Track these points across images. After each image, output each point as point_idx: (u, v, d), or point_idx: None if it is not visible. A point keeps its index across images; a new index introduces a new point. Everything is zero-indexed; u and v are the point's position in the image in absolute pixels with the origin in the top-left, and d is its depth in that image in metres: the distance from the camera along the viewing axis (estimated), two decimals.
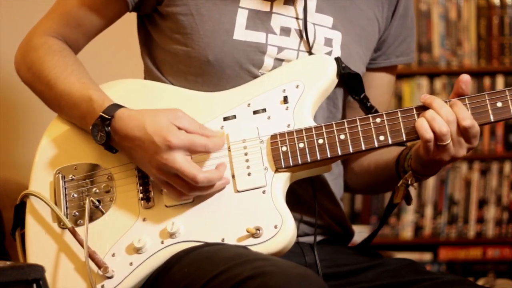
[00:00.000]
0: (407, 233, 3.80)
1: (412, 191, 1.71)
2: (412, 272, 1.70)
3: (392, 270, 1.71)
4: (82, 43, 1.83)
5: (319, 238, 1.77)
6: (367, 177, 1.90)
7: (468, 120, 1.56)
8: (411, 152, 1.71)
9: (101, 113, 1.63)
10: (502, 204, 3.75)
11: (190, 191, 1.60)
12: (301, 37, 1.75)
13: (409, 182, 1.68)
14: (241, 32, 1.71)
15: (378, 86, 1.92)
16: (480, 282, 3.46)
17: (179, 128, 1.59)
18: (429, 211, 3.80)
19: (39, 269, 1.43)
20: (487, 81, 3.76)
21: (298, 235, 1.71)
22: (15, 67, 1.81)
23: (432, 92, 3.80)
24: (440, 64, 3.82)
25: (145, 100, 1.72)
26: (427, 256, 3.77)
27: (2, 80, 2.60)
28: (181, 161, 1.56)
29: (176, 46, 1.74)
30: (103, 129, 1.62)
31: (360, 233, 3.47)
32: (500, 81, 3.77)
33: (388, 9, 1.86)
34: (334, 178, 1.84)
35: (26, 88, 1.81)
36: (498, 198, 3.76)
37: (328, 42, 1.77)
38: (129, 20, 1.87)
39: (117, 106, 1.64)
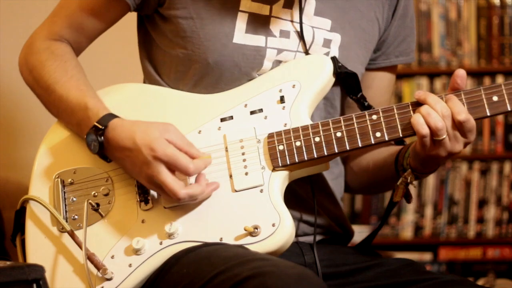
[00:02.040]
0: (407, 233, 3.80)
1: (412, 191, 1.71)
2: (412, 272, 1.70)
3: (392, 270, 1.72)
4: (84, 45, 1.84)
5: (318, 238, 1.77)
6: (366, 176, 1.90)
7: (463, 114, 1.56)
8: (409, 150, 1.71)
9: (95, 123, 1.63)
10: (502, 204, 3.75)
11: (177, 202, 1.60)
12: (300, 39, 1.75)
13: (409, 181, 1.68)
14: (241, 36, 1.72)
15: (378, 86, 1.92)
16: (480, 282, 3.46)
17: (168, 142, 1.59)
18: (429, 211, 3.80)
19: (39, 269, 1.43)
20: (487, 81, 3.76)
21: (298, 235, 1.71)
22: (19, 69, 1.82)
23: (432, 92, 3.77)
24: (440, 64, 3.82)
25: (144, 105, 1.73)
26: (427, 256, 3.77)
27: (3, 80, 2.60)
28: (165, 174, 1.57)
29: (176, 49, 1.75)
30: (96, 138, 1.62)
31: (360, 233, 3.47)
32: (500, 81, 3.76)
33: (389, 10, 1.86)
34: (334, 178, 1.84)
35: (26, 88, 1.81)
36: (498, 198, 3.76)
37: (327, 43, 1.77)
38: (129, 22, 1.87)
39: (111, 116, 1.64)
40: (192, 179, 1.63)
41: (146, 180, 1.60)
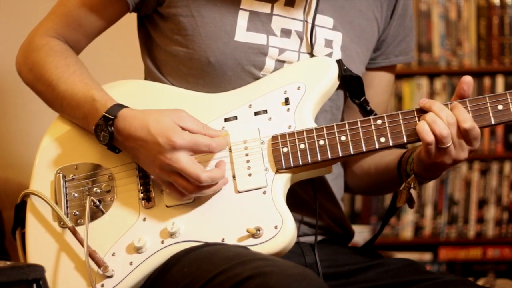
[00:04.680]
0: (407, 233, 3.81)
1: (413, 193, 1.71)
2: (412, 272, 1.70)
3: (392, 270, 1.71)
4: (83, 44, 1.83)
5: (319, 238, 1.77)
6: (368, 179, 1.90)
7: (468, 122, 1.56)
8: (413, 155, 1.70)
9: (104, 113, 1.63)
10: (502, 204, 3.75)
11: (192, 191, 1.59)
12: (301, 38, 1.75)
13: (412, 186, 1.68)
14: (242, 34, 1.71)
15: (378, 86, 1.92)
16: (480, 282, 3.45)
17: (183, 129, 1.59)
18: (429, 211, 3.80)
19: (39, 269, 1.43)
20: (487, 81, 3.76)
21: (298, 235, 1.71)
22: (16, 68, 1.81)
23: (432, 92, 3.80)
24: (440, 64, 3.82)
25: (146, 101, 1.72)
26: (427, 256, 3.77)
27: (2, 80, 2.60)
28: (185, 161, 1.56)
29: (176, 48, 1.74)
30: (106, 129, 1.62)
31: (360, 233, 3.48)
32: (500, 81, 3.77)
33: (387, 9, 1.86)
34: (334, 179, 1.84)
35: (26, 88, 1.81)
36: (498, 198, 3.76)
37: (329, 43, 1.77)
38: (130, 20, 1.87)
39: (120, 106, 1.64)
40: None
41: (160, 169, 1.59)
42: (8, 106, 2.66)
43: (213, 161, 1.64)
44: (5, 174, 2.43)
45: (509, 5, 3.79)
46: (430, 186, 3.80)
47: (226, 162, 1.64)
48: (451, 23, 3.83)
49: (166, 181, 1.61)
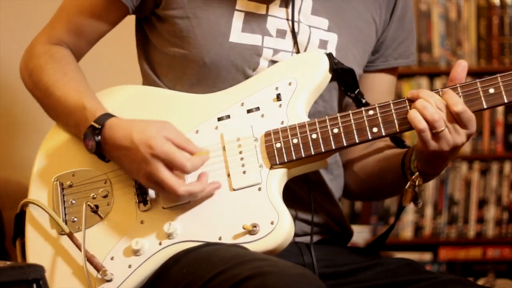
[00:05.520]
0: (407, 233, 3.81)
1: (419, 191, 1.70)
2: (411, 272, 1.70)
3: (391, 269, 1.71)
4: (85, 49, 1.84)
5: (317, 238, 1.77)
6: (373, 182, 1.87)
7: (459, 105, 1.54)
8: (414, 152, 1.70)
9: (92, 123, 1.64)
10: (502, 204, 3.76)
11: (175, 201, 1.60)
12: (295, 39, 1.75)
13: (417, 184, 1.67)
14: (237, 35, 1.72)
15: (379, 89, 1.91)
16: (480, 282, 3.45)
17: (166, 139, 1.59)
18: (429, 211, 3.80)
19: (39, 269, 1.43)
20: None
21: (297, 235, 1.71)
22: (20, 74, 1.82)
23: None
24: (440, 64, 3.82)
25: (141, 106, 1.72)
26: (427, 256, 3.77)
27: (3, 81, 2.61)
28: (164, 171, 1.57)
29: (173, 49, 1.75)
30: (94, 138, 1.62)
31: (360, 233, 3.48)
32: None
33: (386, 12, 1.85)
34: (333, 179, 1.84)
35: (26, 90, 1.82)
36: (498, 198, 3.77)
37: (323, 44, 1.77)
38: (128, 24, 1.87)
39: (108, 116, 1.64)
40: (194, 177, 1.62)
41: (145, 178, 1.59)
42: (8, 106, 2.66)
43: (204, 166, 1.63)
44: (5, 174, 2.44)
45: (509, 5, 3.80)
46: (430, 186, 3.80)
47: (220, 161, 1.64)
48: (451, 23, 3.83)
49: (153, 188, 1.62)
